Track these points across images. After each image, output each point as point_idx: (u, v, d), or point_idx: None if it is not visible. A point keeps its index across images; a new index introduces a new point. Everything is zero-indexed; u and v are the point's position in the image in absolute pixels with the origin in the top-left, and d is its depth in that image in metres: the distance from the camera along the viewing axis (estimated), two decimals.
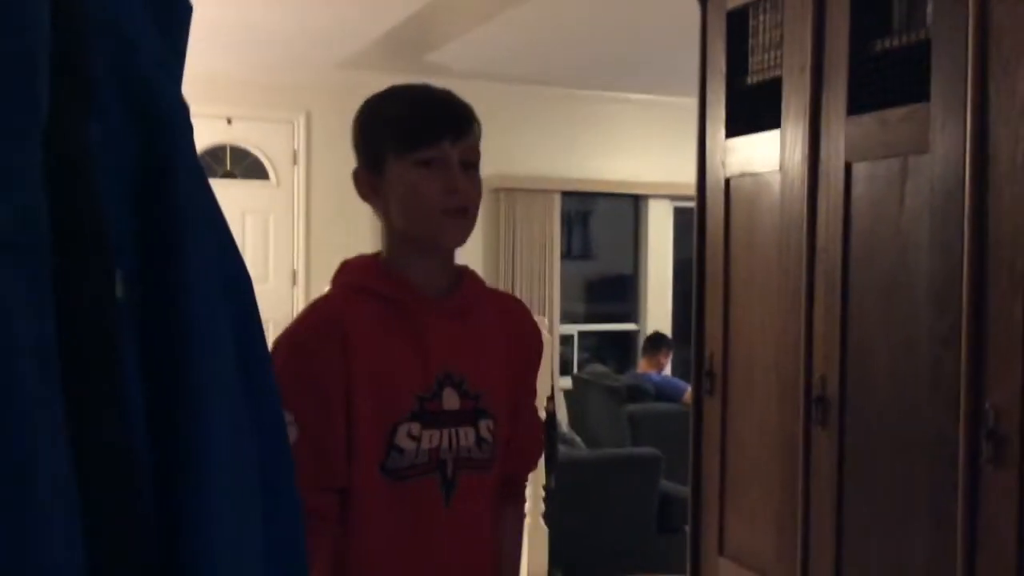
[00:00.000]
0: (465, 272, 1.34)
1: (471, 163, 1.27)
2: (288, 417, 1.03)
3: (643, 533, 4.08)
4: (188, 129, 0.70)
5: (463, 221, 1.26)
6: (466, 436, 1.27)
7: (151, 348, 0.64)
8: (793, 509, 1.89)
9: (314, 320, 1.28)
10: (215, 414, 0.63)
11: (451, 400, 1.26)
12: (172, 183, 0.68)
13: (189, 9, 0.74)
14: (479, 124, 1.29)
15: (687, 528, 2.29)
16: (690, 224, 2.37)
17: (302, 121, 6.26)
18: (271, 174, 6.21)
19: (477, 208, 1.27)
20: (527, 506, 3.12)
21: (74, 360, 0.54)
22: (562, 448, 4.08)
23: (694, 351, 2.24)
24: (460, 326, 1.29)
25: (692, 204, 2.30)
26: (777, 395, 1.97)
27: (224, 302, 0.69)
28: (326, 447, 1.20)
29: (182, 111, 0.70)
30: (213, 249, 0.70)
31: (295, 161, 6.27)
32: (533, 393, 1.43)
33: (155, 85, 0.69)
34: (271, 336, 0.74)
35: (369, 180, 1.28)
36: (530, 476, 3.02)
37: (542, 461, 3.13)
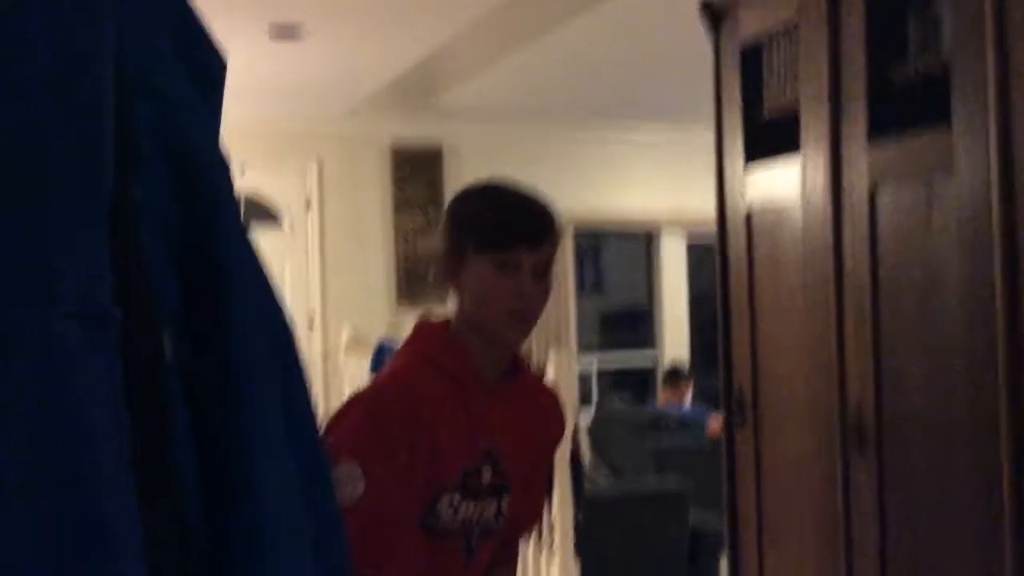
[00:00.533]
0: (517, 359, 1.46)
1: (543, 271, 1.36)
2: (356, 470, 1.24)
3: (675, 566, 4.03)
4: (230, 185, 0.70)
5: (524, 324, 1.38)
6: (489, 509, 1.40)
7: (201, 408, 0.63)
8: (835, 540, 1.86)
9: (398, 391, 1.39)
10: (269, 479, 0.62)
11: (487, 476, 1.39)
12: (216, 240, 0.68)
13: (224, 67, 0.74)
14: (559, 234, 1.39)
15: (722, 560, 2.25)
16: (704, 256, 2.36)
17: (314, 168, 6.31)
18: (285, 221, 6.25)
19: (540, 313, 1.38)
20: (557, 540, 3.10)
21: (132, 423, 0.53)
22: (587, 485, 4.04)
23: (722, 383, 2.22)
24: (505, 409, 1.42)
25: (705, 236, 2.30)
26: (811, 424, 1.94)
27: (271, 355, 0.69)
28: (389, 497, 1.31)
29: (224, 168, 0.70)
30: (258, 303, 0.70)
31: (308, 208, 6.31)
32: (547, 471, 1.56)
33: (196, 144, 0.69)
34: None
35: (449, 265, 1.39)
36: (560, 511, 3.00)
37: (571, 494, 3.16)
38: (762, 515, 2.10)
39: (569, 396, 2.94)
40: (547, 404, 1.53)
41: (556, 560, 3.07)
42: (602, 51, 4.68)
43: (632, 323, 7.44)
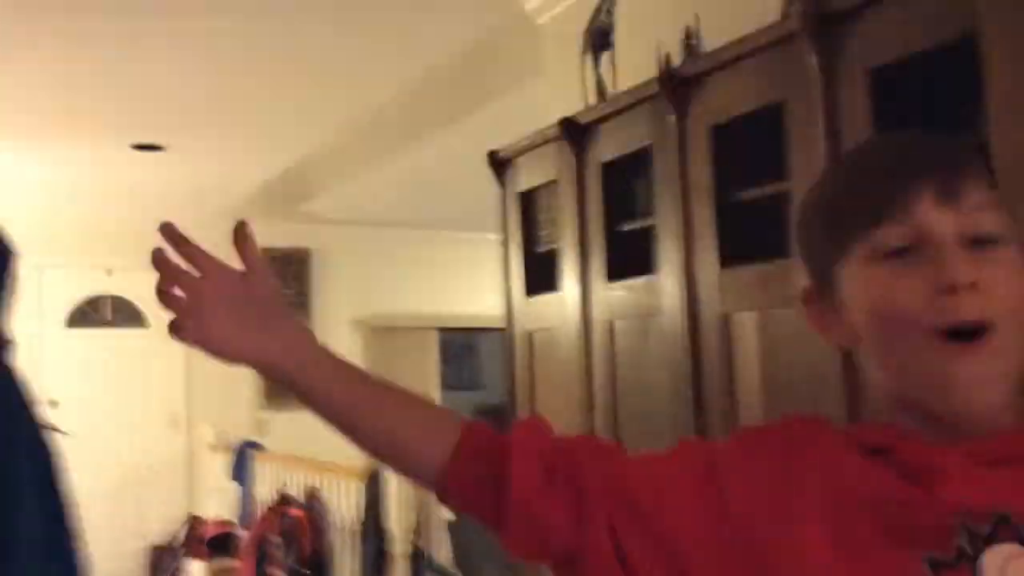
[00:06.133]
0: None
1: (985, 238, 0.72)
2: None
3: None
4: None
5: (977, 344, 0.70)
6: None
7: None
8: None
9: None
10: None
11: None
12: None
13: (9, 255, 1.00)
14: (992, 167, 0.79)
15: None
16: None
17: None
18: (150, 321, 6.35)
19: (1015, 314, 0.70)
20: None
21: None
22: None
23: None
24: None
25: None
26: None
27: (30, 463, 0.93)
28: None
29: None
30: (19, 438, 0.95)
31: None
32: None
33: None
34: None
35: (817, 305, 0.79)
36: None
37: None
38: None
39: None
40: None
41: None
42: (445, 171, 5.08)
43: (505, 417, 7.72)
